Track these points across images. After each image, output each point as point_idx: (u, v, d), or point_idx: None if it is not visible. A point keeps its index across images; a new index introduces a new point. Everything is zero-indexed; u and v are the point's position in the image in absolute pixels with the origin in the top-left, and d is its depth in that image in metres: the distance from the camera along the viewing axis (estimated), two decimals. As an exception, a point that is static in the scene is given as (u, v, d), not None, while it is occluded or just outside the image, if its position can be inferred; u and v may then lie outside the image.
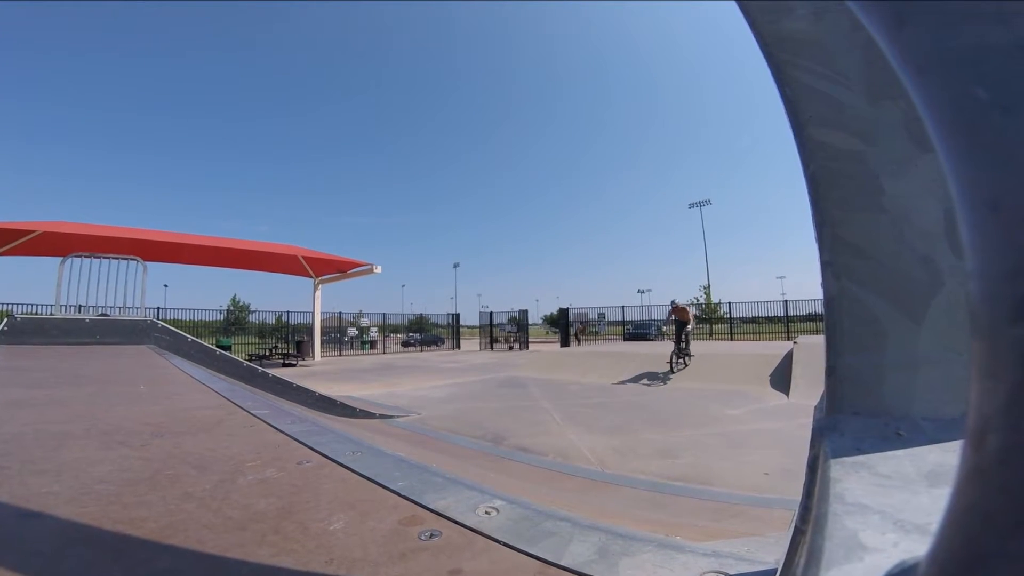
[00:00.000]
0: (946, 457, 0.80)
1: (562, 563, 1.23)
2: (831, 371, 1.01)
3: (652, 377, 12.94)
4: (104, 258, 9.54)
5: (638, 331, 36.44)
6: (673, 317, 14.93)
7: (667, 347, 15.93)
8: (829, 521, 0.65)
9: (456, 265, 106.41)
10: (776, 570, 1.04)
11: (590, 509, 3.98)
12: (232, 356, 9.12)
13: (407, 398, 11.33)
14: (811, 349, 11.34)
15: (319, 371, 19.45)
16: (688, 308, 15.10)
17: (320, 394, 7.82)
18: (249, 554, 1.28)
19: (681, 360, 13.69)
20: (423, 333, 45.28)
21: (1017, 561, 0.24)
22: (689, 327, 14.17)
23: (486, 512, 1.53)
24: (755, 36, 1.00)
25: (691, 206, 69.80)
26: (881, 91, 0.90)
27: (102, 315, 9.26)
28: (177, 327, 9.75)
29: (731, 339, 32.98)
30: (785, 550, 0.98)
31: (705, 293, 46.65)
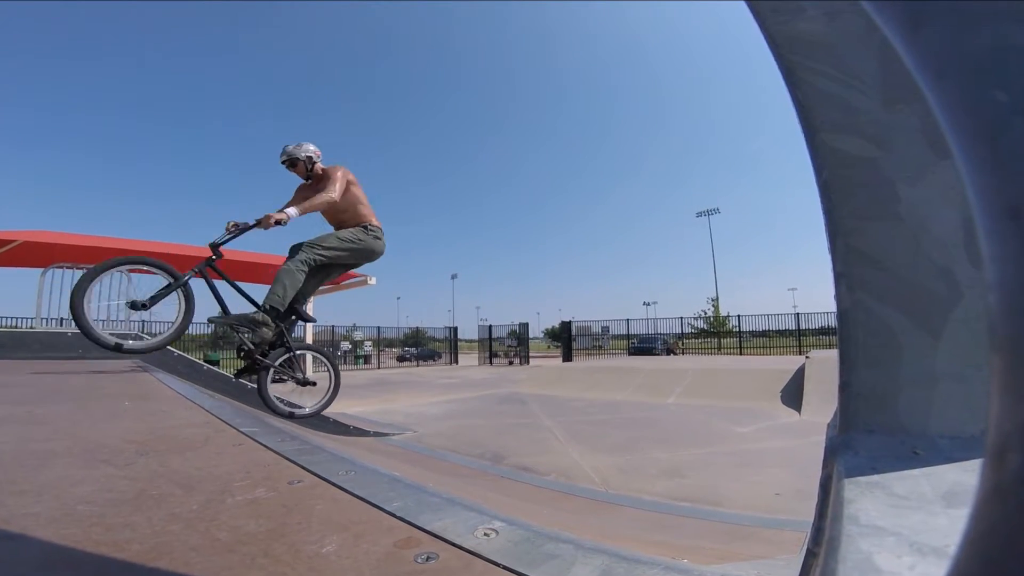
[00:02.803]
0: (965, 477, 0.80)
1: (565, 588, 1.22)
2: (845, 387, 1.00)
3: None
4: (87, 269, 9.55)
5: (643, 345, 36.41)
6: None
7: (676, 361, 15.41)
8: (843, 543, 0.65)
9: (454, 277, 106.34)
10: (789, 595, 1.03)
11: (593, 531, 3.96)
12: (220, 371, 9.11)
13: (403, 415, 11.30)
14: (824, 364, 11.31)
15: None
16: (336, 169, 4.62)
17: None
18: (237, 578, 1.28)
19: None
20: (419, 347, 45.20)
21: (1042, 584, 0.24)
22: (293, 211, 4.21)
23: (485, 534, 1.53)
24: (765, 38, 1.00)
25: (699, 215, 69.82)
26: (897, 95, 0.90)
27: (85, 328, 9.25)
28: (163, 341, 9.73)
29: (740, 353, 32.94)
30: (797, 573, 0.97)
31: (713, 306, 46.57)
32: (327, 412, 7.64)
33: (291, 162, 4.70)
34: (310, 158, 4.72)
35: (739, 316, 37.43)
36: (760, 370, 14.57)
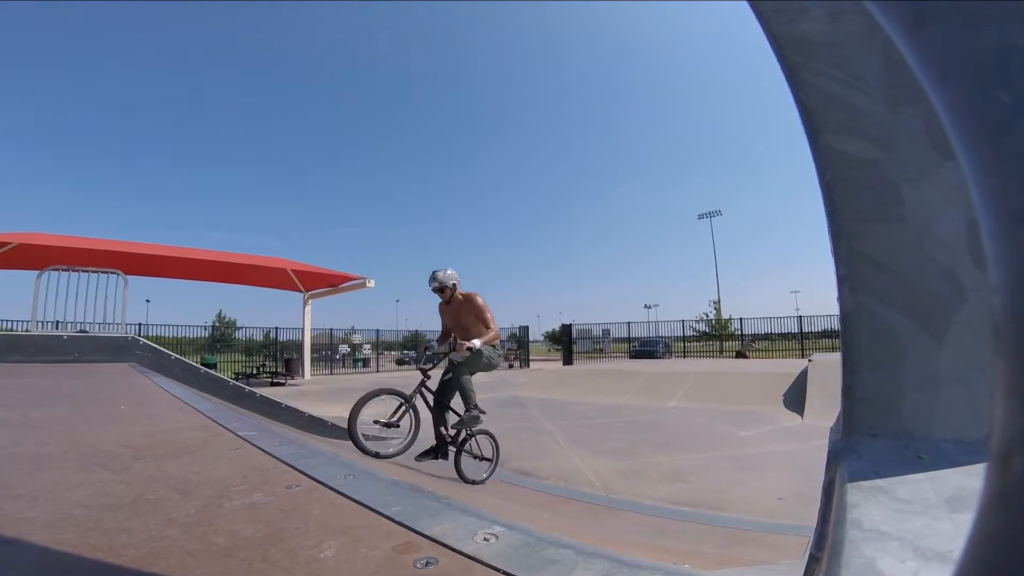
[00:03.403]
0: (969, 481, 0.80)
1: (565, 593, 1.22)
2: (848, 390, 1.00)
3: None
4: (83, 271, 9.53)
5: (645, 348, 36.33)
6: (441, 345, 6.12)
7: (677, 364, 15.33)
8: (846, 548, 0.65)
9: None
10: (792, 600, 1.04)
11: (594, 536, 3.95)
12: (217, 375, 9.12)
13: (402, 419, 11.27)
14: (827, 367, 11.28)
15: (309, 390, 19.37)
16: (478, 300, 5.83)
17: (310, 414, 7.81)
18: (235, 583, 1.28)
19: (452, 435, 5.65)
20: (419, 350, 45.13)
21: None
22: (477, 343, 5.38)
23: (484, 539, 1.52)
24: (768, 38, 1.00)
25: (700, 217, 69.63)
26: (900, 96, 0.91)
27: (81, 331, 9.24)
28: (160, 344, 9.73)
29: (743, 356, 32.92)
30: (801, 579, 0.97)
31: (715, 308, 46.49)
32: (326, 416, 7.69)
33: (440, 289, 5.80)
34: (455, 285, 5.83)
35: (741, 319, 37.43)
36: (762, 373, 14.56)
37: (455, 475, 5.49)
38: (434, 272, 5.78)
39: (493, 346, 5.69)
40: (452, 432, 5.58)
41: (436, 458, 5.53)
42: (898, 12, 0.31)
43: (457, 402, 5.69)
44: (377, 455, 4.94)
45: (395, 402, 5.24)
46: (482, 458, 5.80)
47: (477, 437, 5.80)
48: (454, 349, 5.44)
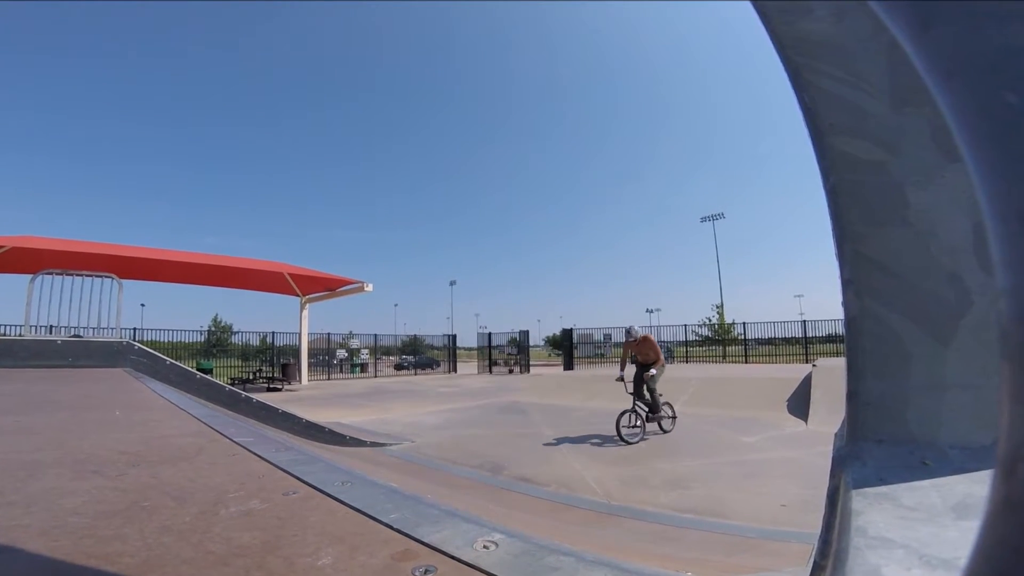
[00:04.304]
0: (975, 488, 0.80)
1: (566, 602, 1.22)
2: (852, 396, 1.00)
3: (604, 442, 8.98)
4: (77, 275, 9.52)
5: (646, 353, 36.30)
6: (632, 356, 10.25)
7: (680, 370, 15.36)
8: (850, 556, 0.65)
9: (453, 283, 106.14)
10: (796, 609, 1.03)
11: (595, 543, 3.95)
12: (213, 380, 9.10)
13: (400, 425, 11.28)
14: (831, 372, 11.31)
15: (306, 396, 19.38)
16: (651, 338, 10.14)
17: (307, 420, 7.80)
18: (231, 592, 1.27)
19: (653, 420, 9.58)
20: (417, 355, 45.05)
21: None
22: (654, 371, 9.55)
23: (484, 546, 1.52)
24: (771, 38, 1.00)
25: (703, 220, 69.61)
26: (906, 97, 0.91)
27: (75, 336, 9.23)
28: (155, 349, 9.72)
29: (746, 362, 32.89)
30: (805, 587, 0.97)
31: (718, 313, 46.50)
32: (323, 422, 7.70)
33: (634, 339, 9.87)
34: (638, 334, 9.95)
35: (744, 324, 37.41)
36: (766, 379, 14.57)
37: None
38: (629, 331, 9.99)
39: (663, 365, 9.83)
40: (650, 413, 9.42)
41: (637, 429, 9.12)
42: (904, 13, 0.31)
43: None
44: (627, 442, 8.65)
45: (632, 415, 9.14)
46: (670, 418, 9.86)
47: (658, 406, 9.60)
48: (644, 372, 9.58)
